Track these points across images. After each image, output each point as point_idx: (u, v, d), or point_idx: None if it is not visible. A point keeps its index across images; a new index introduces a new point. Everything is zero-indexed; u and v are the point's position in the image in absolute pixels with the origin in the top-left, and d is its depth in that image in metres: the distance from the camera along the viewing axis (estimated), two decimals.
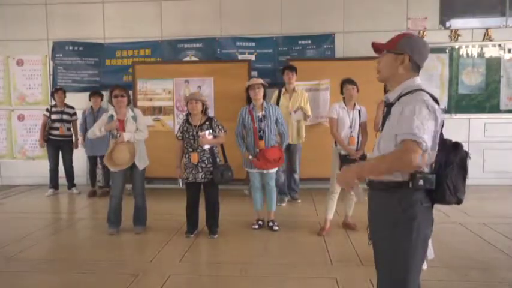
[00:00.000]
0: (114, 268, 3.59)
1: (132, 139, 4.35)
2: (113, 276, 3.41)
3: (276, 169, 4.60)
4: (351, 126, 4.36)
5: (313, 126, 6.06)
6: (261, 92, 4.46)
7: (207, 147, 4.26)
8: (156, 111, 6.62)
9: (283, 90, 5.67)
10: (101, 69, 7.17)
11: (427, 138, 1.72)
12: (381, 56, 1.99)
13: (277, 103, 5.48)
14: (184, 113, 5.44)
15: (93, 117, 6.25)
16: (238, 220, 4.89)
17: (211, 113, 5.19)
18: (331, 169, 4.41)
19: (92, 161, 6.54)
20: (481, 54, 6.68)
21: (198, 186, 4.33)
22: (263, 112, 4.49)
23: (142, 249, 4.17)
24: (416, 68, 1.92)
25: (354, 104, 4.41)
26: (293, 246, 4.10)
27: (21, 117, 7.35)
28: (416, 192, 1.82)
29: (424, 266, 3.24)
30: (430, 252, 3.24)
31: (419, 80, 1.91)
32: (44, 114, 6.49)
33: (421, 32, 6.56)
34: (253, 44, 6.88)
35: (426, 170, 1.83)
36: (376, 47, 1.99)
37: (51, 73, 7.24)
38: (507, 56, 6.65)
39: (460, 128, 6.64)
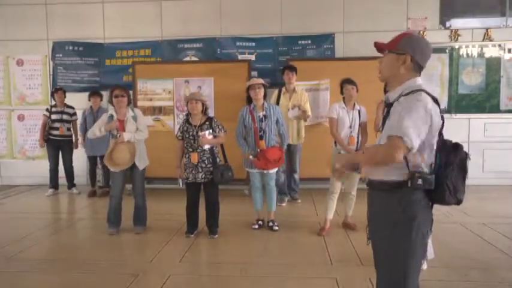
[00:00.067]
0: (114, 268, 3.59)
1: (132, 139, 4.35)
2: (113, 276, 3.41)
3: (276, 169, 4.60)
4: (350, 126, 4.36)
5: (313, 126, 6.06)
6: (262, 92, 4.46)
7: (207, 147, 4.26)
8: (156, 111, 6.62)
9: (283, 90, 5.67)
10: (101, 69, 7.17)
11: (415, 139, 1.73)
12: (382, 56, 1.98)
13: (277, 103, 5.48)
14: (184, 113, 5.44)
15: (93, 117, 6.25)
16: (238, 220, 4.89)
17: (211, 113, 5.19)
18: (331, 169, 4.41)
19: (92, 161, 6.54)
20: (481, 54, 6.68)
21: (198, 186, 4.33)
22: (264, 112, 4.48)
23: (142, 249, 4.17)
24: (418, 68, 1.91)
25: (354, 104, 4.41)
26: (293, 246, 4.10)
27: (21, 117, 7.35)
28: (415, 192, 1.82)
29: (424, 266, 3.25)
30: (430, 252, 3.24)
31: (420, 80, 1.90)
32: (44, 114, 6.49)
33: (421, 32, 6.56)
34: (253, 44, 6.88)
35: (426, 170, 1.83)
36: (378, 47, 1.99)
37: (51, 73, 7.24)
38: (507, 56, 6.65)
39: (460, 128, 6.64)
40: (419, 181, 1.78)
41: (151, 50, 7.04)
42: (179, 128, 4.42)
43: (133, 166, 4.42)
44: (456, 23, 6.69)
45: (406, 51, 1.88)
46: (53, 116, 6.43)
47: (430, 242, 3.22)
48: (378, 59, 2.01)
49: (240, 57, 6.85)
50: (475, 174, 6.28)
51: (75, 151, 6.63)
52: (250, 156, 4.42)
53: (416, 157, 1.82)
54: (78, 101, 6.77)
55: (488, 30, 6.61)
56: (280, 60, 6.80)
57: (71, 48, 7.16)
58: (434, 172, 1.82)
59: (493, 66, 6.67)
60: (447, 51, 6.70)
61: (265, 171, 4.49)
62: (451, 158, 1.81)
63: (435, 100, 1.83)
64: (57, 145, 6.51)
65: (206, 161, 4.26)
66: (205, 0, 6.94)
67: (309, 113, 5.62)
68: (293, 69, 5.59)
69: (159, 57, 7.02)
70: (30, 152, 7.36)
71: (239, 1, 6.89)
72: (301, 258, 3.73)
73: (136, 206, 4.56)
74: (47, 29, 7.17)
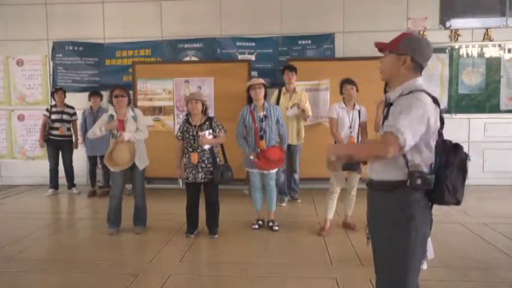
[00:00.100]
0: (114, 268, 3.59)
1: (132, 139, 4.35)
2: (113, 276, 3.41)
3: (276, 169, 4.60)
4: (350, 126, 4.36)
5: (313, 126, 6.05)
6: (262, 92, 4.46)
7: (207, 147, 4.26)
8: (156, 111, 6.62)
9: (283, 90, 5.67)
10: (101, 69, 7.17)
11: (408, 137, 1.73)
12: (383, 56, 1.99)
13: (277, 103, 5.48)
14: (184, 113, 5.44)
15: (93, 117, 6.25)
16: (238, 220, 4.89)
17: (211, 113, 5.19)
18: None
19: (92, 161, 6.54)
20: (481, 54, 6.68)
21: (198, 186, 4.33)
22: (264, 112, 4.49)
23: (142, 249, 4.17)
24: (418, 68, 1.91)
25: (354, 104, 4.41)
26: (293, 246, 4.10)
27: (21, 117, 7.35)
28: (415, 192, 1.82)
29: (424, 266, 3.25)
30: (430, 252, 3.25)
31: (421, 81, 1.90)
32: (44, 114, 6.49)
33: (421, 32, 6.56)
34: (253, 44, 6.88)
35: (425, 170, 1.83)
36: (379, 47, 1.99)
37: (51, 73, 7.24)
38: (507, 56, 6.65)
39: (460, 128, 6.64)
40: (419, 181, 1.78)
41: (151, 50, 7.04)
42: (179, 128, 4.42)
43: (133, 166, 4.42)
44: (456, 23, 6.69)
45: (407, 51, 1.88)
46: (53, 116, 6.43)
47: (430, 242, 3.23)
48: (379, 59, 2.01)
49: (240, 57, 6.85)
50: (475, 174, 6.28)
51: (75, 151, 6.63)
52: (251, 157, 4.42)
53: (415, 156, 1.82)
54: (78, 101, 6.77)
55: (488, 30, 6.61)
56: (280, 60, 6.80)
57: (71, 48, 7.16)
58: (433, 172, 1.83)
59: (493, 66, 6.67)
60: (447, 51, 6.70)
61: (265, 172, 4.49)
62: (450, 158, 1.81)
63: (435, 100, 1.83)
64: (57, 145, 6.51)
65: (206, 161, 4.26)
66: (205, 0, 6.94)
67: (309, 113, 5.62)
68: (293, 69, 5.59)
69: (159, 57, 7.02)
70: (30, 152, 7.36)
71: (239, 1, 6.90)
72: (301, 258, 3.73)
73: (136, 206, 4.56)
74: (47, 29, 7.17)
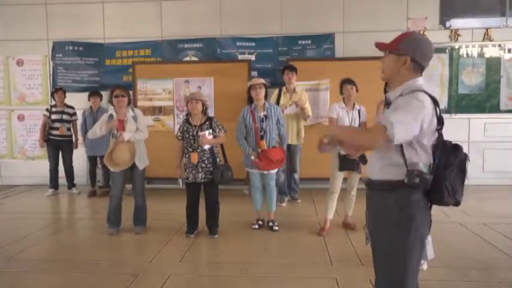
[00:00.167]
0: (114, 268, 3.59)
1: (132, 139, 4.35)
2: (113, 276, 3.41)
3: (276, 169, 4.59)
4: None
5: (313, 126, 6.04)
6: (263, 92, 4.46)
7: (207, 147, 4.26)
8: (156, 111, 6.62)
9: (283, 89, 5.67)
10: (101, 69, 7.17)
11: (399, 133, 1.73)
12: (384, 56, 1.98)
13: (277, 103, 5.47)
14: (184, 113, 5.44)
15: (93, 117, 6.25)
16: (238, 220, 4.89)
17: (211, 113, 5.19)
18: (331, 169, 4.41)
19: (92, 161, 6.54)
20: (481, 54, 6.68)
21: (198, 186, 4.33)
22: (265, 112, 4.49)
23: (142, 249, 4.17)
24: (419, 68, 1.90)
25: (354, 104, 4.41)
26: (293, 246, 4.10)
27: (21, 117, 7.35)
28: (414, 192, 1.83)
29: (424, 266, 3.25)
30: (430, 252, 3.25)
31: (421, 81, 1.90)
32: (44, 114, 6.49)
33: (421, 32, 6.55)
34: (253, 44, 6.88)
35: (424, 170, 1.83)
36: (380, 48, 1.99)
37: (51, 73, 7.24)
38: (507, 56, 6.64)
39: (460, 128, 6.64)
40: (417, 179, 1.78)
41: (151, 50, 7.04)
42: (179, 128, 4.42)
43: (133, 166, 4.42)
44: (456, 23, 6.69)
45: (407, 52, 1.87)
46: (53, 116, 6.43)
47: (430, 242, 3.24)
48: (380, 59, 2.01)
49: (240, 57, 6.85)
50: (475, 174, 6.28)
51: (75, 151, 6.63)
52: (252, 157, 4.42)
53: (413, 155, 1.82)
54: (78, 101, 6.77)
55: (488, 30, 6.61)
56: (280, 60, 6.80)
57: (71, 48, 7.16)
58: (432, 173, 1.82)
59: (493, 66, 6.67)
60: (447, 51, 6.70)
61: (265, 172, 4.49)
62: (450, 159, 1.81)
63: (434, 101, 1.83)
64: (57, 145, 6.51)
65: (206, 161, 4.26)
66: (205, 0, 6.94)
67: (309, 112, 5.61)
68: (293, 69, 5.59)
69: (159, 57, 7.02)
70: (30, 152, 7.35)
71: (239, 1, 6.89)
72: (301, 258, 3.73)
73: (136, 206, 4.56)
74: (47, 29, 7.17)
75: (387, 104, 1.96)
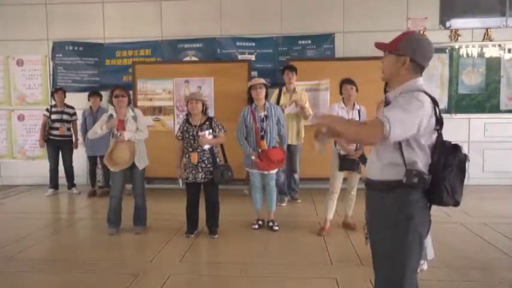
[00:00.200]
0: (114, 268, 3.59)
1: (132, 138, 4.36)
2: (113, 276, 3.41)
3: (276, 169, 4.59)
4: None
5: (313, 126, 6.04)
6: (263, 92, 4.46)
7: (207, 147, 4.26)
8: (156, 111, 6.62)
9: (283, 89, 5.67)
10: (101, 69, 7.17)
11: (396, 130, 1.71)
12: (384, 56, 1.98)
13: (278, 103, 5.47)
14: (184, 113, 5.44)
15: (93, 117, 6.25)
16: (238, 220, 4.89)
17: (211, 113, 5.19)
18: (331, 169, 4.41)
19: (92, 161, 6.54)
20: (481, 54, 6.68)
21: (198, 186, 4.33)
22: (265, 112, 4.49)
23: (142, 249, 4.17)
24: (419, 68, 1.90)
25: (354, 104, 4.41)
26: (293, 246, 4.10)
27: (21, 117, 7.35)
28: (413, 192, 1.82)
29: (425, 266, 3.25)
30: (431, 253, 3.25)
31: (421, 81, 1.89)
32: (44, 114, 6.49)
33: (421, 32, 6.55)
34: (253, 44, 6.88)
35: (423, 169, 1.83)
36: (380, 47, 1.99)
37: (51, 73, 7.24)
38: (507, 56, 6.64)
39: (460, 128, 6.64)
40: (415, 179, 1.77)
41: (151, 50, 7.04)
42: (179, 128, 4.42)
43: (133, 166, 4.42)
44: (456, 23, 6.69)
45: (406, 52, 1.87)
46: (53, 116, 6.43)
47: (430, 242, 3.24)
48: (380, 59, 2.01)
49: (240, 57, 6.85)
50: (475, 174, 6.29)
51: (75, 151, 6.64)
52: (253, 157, 4.41)
53: (411, 154, 1.82)
54: (78, 101, 6.77)
55: (488, 30, 6.61)
56: (280, 60, 6.80)
57: (71, 48, 7.16)
58: (432, 173, 1.82)
59: (493, 66, 6.67)
60: (447, 51, 6.70)
61: (265, 172, 4.49)
62: (450, 159, 1.81)
63: (434, 101, 1.83)
64: (57, 145, 6.51)
65: (206, 161, 4.26)
66: (205, 0, 6.94)
67: (310, 111, 5.61)
68: (293, 69, 5.59)
69: (159, 57, 7.02)
70: (30, 152, 7.35)
71: (239, 1, 6.89)
72: (301, 258, 3.73)
73: (136, 206, 4.56)
74: (47, 29, 7.17)
75: (387, 104, 1.96)
